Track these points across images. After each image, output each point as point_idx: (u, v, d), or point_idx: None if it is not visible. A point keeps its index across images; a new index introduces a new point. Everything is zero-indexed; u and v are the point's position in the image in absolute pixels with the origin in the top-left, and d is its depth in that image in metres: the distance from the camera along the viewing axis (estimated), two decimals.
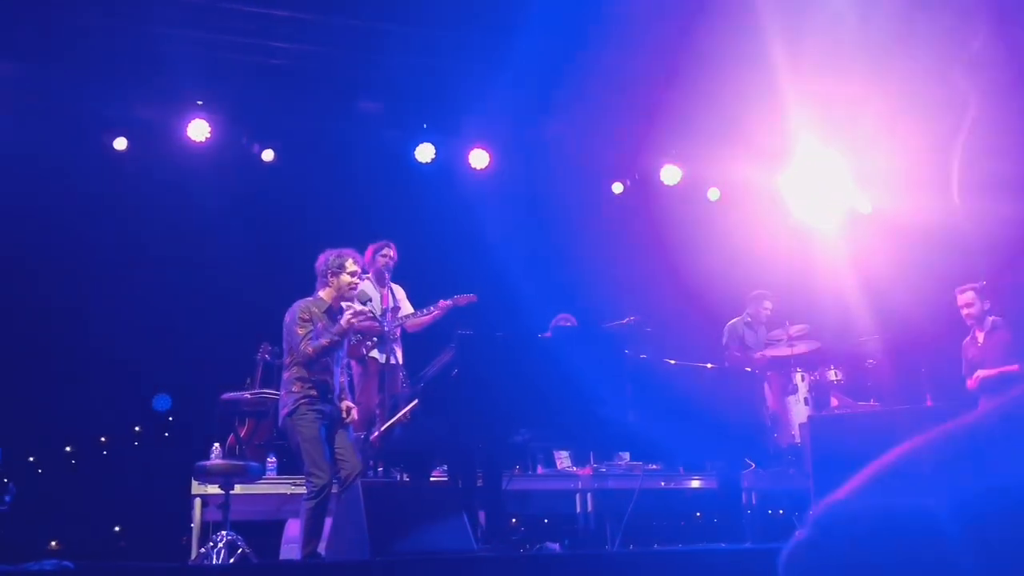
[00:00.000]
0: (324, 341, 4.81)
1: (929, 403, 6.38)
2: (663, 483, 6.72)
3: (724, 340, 7.54)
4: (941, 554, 0.49)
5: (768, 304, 7.50)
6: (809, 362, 7.10)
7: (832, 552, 0.55)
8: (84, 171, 7.30)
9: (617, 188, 9.11)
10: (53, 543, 7.20)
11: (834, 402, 6.93)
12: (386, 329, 5.90)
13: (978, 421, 0.59)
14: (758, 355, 7.27)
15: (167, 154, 7.56)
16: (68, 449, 8.50)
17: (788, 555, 0.58)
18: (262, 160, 7.89)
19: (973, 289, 6.31)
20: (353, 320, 4.88)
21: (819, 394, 6.98)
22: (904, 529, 0.52)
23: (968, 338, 6.40)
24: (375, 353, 6.17)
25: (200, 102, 7.54)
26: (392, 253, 6.28)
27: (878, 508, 0.54)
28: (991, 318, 6.27)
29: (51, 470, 8.11)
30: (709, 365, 6.00)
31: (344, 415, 4.94)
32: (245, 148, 7.88)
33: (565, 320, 6.91)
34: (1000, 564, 0.48)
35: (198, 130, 7.48)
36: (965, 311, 6.30)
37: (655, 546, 6.72)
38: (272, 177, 7.92)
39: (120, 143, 7.47)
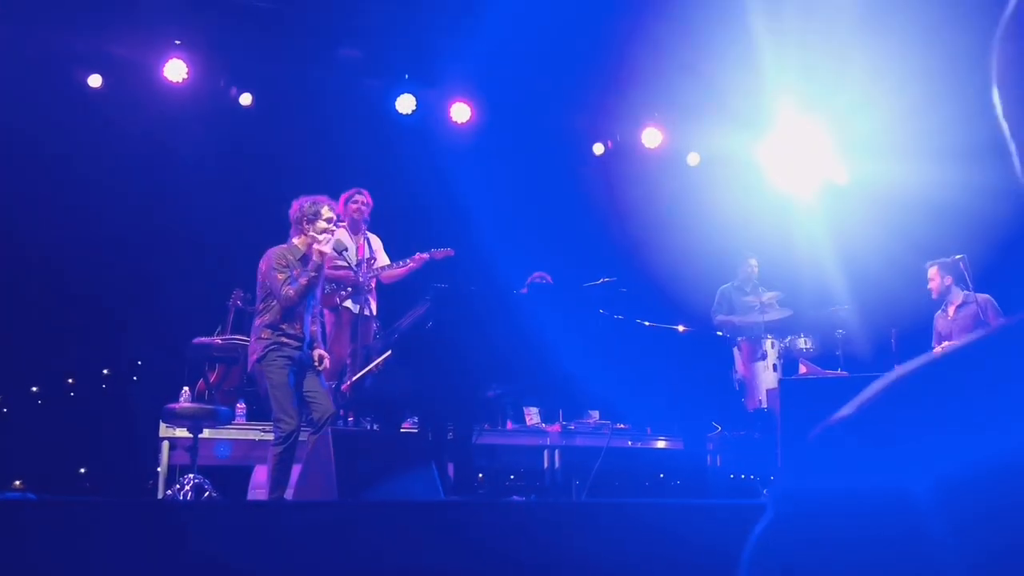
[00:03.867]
0: (303, 280, 4.81)
1: None
2: (630, 442, 6.80)
3: (714, 304, 7.64)
4: (921, 551, 0.42)
5: (753, 262, 7.57)
6: (780, 329, 7.17)
7: (797, 544, 0.48)
8: (56, 107, 7.13)
9: (598, 148, 9.08)
10: (17, 483, 7.15)
11: (803, 369, 7.02)
12: (360, 279, 5.87)
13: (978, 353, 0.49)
14: (737, 320, 7.33)
15: (143, 94, 7.41)
16: (34, 390, 8.42)
17: (752, 548, 0.51)
18: (240, 104, 7.77)
19: (937, 264, 6.39)
20: (324, 250, 4.87)
21: (788, 361, 7.06)
22: (877, 518, 0.44)
23: (940, 310, 6.49)
24: (349, 303, 6.15)
25: (178, 42, 7.39)
26: (365, 199, 6.22)
27: (848, 491, 0.46)
28: (962, 292, 6.35)
29: (16, 411, 8.04)
30: (681, 328, 6.04)
31: (317, 363, 4.95)
32: (223, 91, 7.74)
33: (541, 278, 6.92)
34: (994, 565, 0.41)
35: (175, 70, 7.33)
36: (929, 285, 6.41)
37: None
38: (250, 122, 7.79)
39: (95, 80, 7.32)
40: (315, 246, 4.88)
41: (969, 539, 0.41)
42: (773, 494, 0.51)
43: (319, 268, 4.90)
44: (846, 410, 0.50)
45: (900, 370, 0.50)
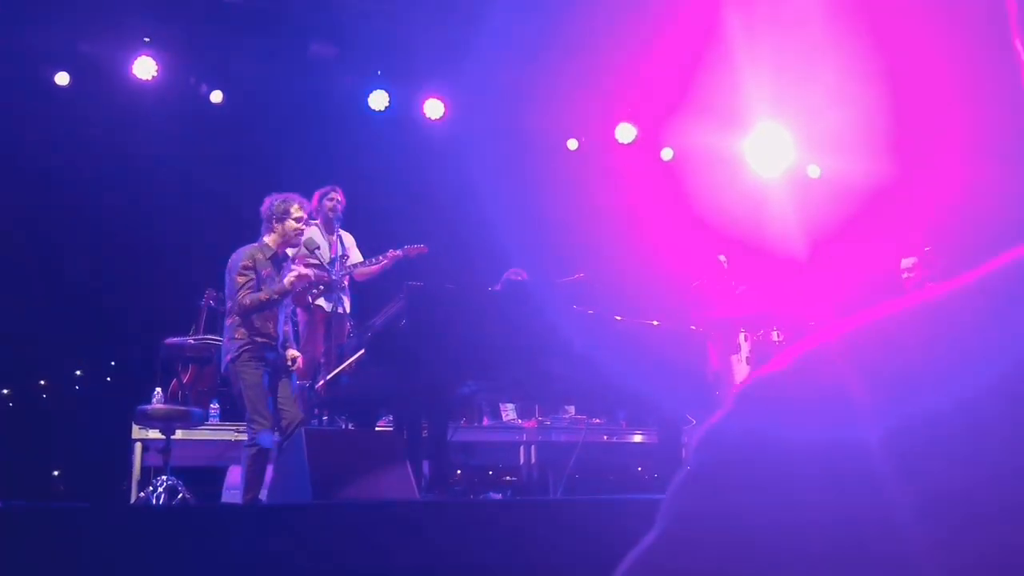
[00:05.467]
0: (263, 296, 4.77)
1: None
2: (606, 437, 6.83)
3: (689, 300, 7.67)
4: (869, 496, 0.41)
5: (722, 257, 7.61)
6: (752, 323, 7.22)
7: (723, 487, 0.46)
8: (22, 106, 7.04)
9: (572, 144, 9.09)
10: None
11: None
12: (334, 278, 5.85)
13: (930, 304, 0.47)
14: (716, 316, 7.37)
15: (111, 91, 7.33)
16: (5, 392, 8.31)
17: (672, 491, 0.48)
18: (210, 102, 7.70)
19: (917, 255, 6.43)
20: (295, 282, 4.85)
21: (761, 354, 7.11)
22: (821, 463, 0.43)
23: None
24: (322, 301, 6.12)
25: (147, 39, 7.31)
26: (339, 197, 6.20)
27: (782, 437, 0.45)
28: (928, 285, 6.42)
29: None
30: (655, 323, 6.07)
31: (289, 363, 4.93)
32: (193, 89, 7.67)
33: (516, 274, 6.92)
34: (949, 514, 0.40)
35: (144, 68, 7.26)
36: (905, 275, 6.43)
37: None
38: (221, 119, 7.72)
39: (62, 78, 7.22)
40: (290, 275, 4.83)
41: (917, 484, 0.41)
42: (697, 440, 0.49)
43: (284, 294, 4.86)
44: (777, 361, 0.49)
45: (837, 325, 0.49)
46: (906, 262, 6.43)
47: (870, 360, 0.45)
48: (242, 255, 4.88)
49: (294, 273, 4.84)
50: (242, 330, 4.81)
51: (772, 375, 0.49)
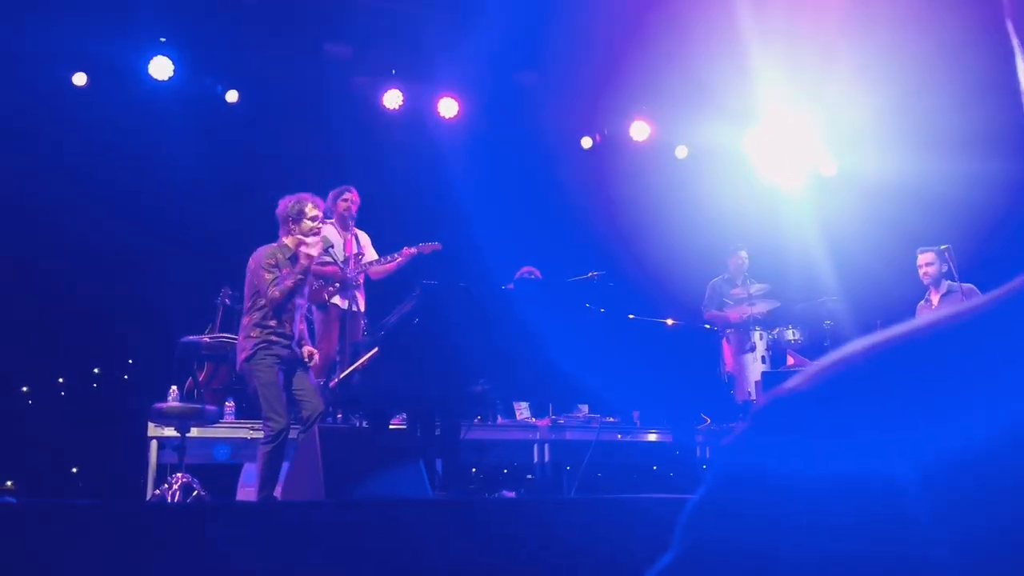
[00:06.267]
0: (288, 282, 4.83)
1: None
2: (620, 436, 6.82)
3: (705, 298, 7.66)
4: (904, 542, 0.39)
5: (743, 254, 7.59)
6: (768, 321, 7.20)
7: (750, 512, 0.44)
8: (41, 106, 7.10)
9: (586, 143, 9.08)
10: (9, 483, 7.14)
11: (791, 361, 7.05)
12: (348, 275, 5.87)
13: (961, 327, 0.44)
14: (732, 315, 7.34)
15: (128, 91, 7.38)
16: (24, 389, 8.39)
17: (690, 514, 0.46)
18: (226, 101, 7.74)
19: (934, 251, 6.38)
20: (312, 252, 4.88)
21: (776, 353, 7.09)
22: (850, 502, 0.41)
23: (923, 300, 6.50)
24: (337, 299, 6.15)
25: (163, 39, 7.35)
26: (353, 197, 6.23)
27: (806, 471, 0.42)
28: (947, 282, 6.36)
29: (7, 411, 8.01)
30: (669, 321, 6.06)
31: (306, 359, 4.96)
32: (209, 88, 7.71)
33: (529, 273, 6.92)
34: (981, 551, 0.38)
35: (161, 68, 7.31)
36: (923, 271, 6.36)
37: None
38: (236, 119, 7.76)
39: (79, 78, 7.29)
40: (302, 248, 4.89)
41: (956, 525, 0.38)
42: (720, 453, 0.47)
43: (306, 271, 4.91)
44: (798, 382, 0.46)
45: (863, 343, 0.46)
46: (923, 258, 6.38)
47: (900, 385, 0.43)
48: (264, 254, 4.93)
49: (304, 251, 4.88)
50: (257, 329, 4.84)
51: (793, 396, 0.46)
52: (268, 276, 4.84)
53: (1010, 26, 0.52)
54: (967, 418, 0.40)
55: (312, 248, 4.90)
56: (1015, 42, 0.52)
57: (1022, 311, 0.43)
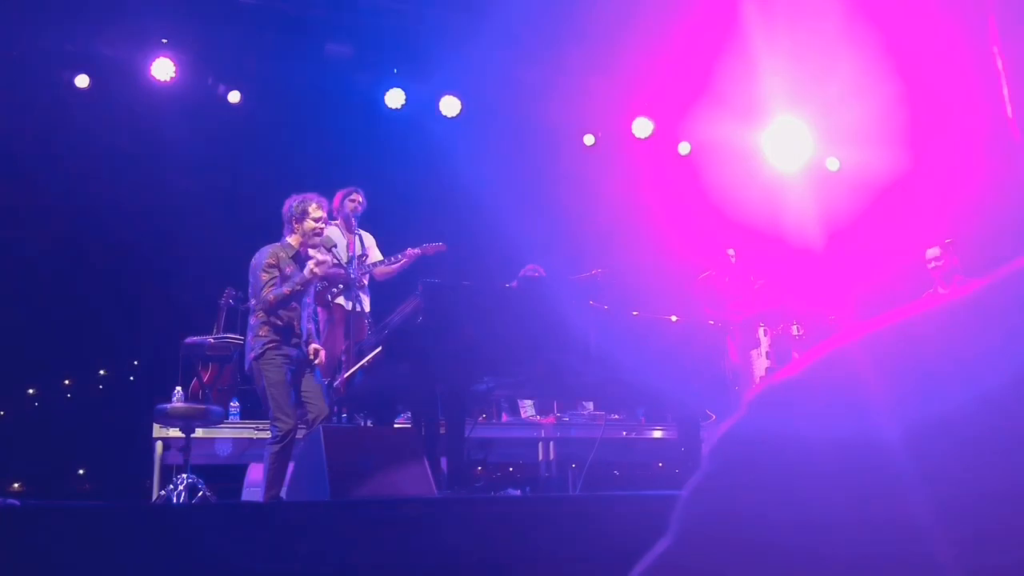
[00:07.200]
0: (286, 290, 4.81)
1: None
2: (625, 433, 6.81)
3: (694, 295, 7.63)
4: (891, 497, 0.41)
5: (731, 252, 7.57)
6: (772, 317, 7.18)
7: (746, 491, 0.45)
8: (44, 108, 7.12)
9: (589, 140, 9.07)
10: (16, 484, 7.17)
11: (795, 356, 7.04)
12: (352, 276, 5.88)
13: (947, 311, 0.46)
14: (730, 312, 7.33)
15: (130, 93, 7.39)
16: (31, 391, 8.42)
17: (687, 497, 0.47)
18: (228, 102, 7.75)
19: (940, 245, 6.36)
20: (316, 270, 4.88)
21: (781, 349, 7.07)
22: (840, 463, 0.42)
23: (929, 294, 6.49)
24: (341, 300, 6.15)
25: (165, 40, 7.36)
26: (360, 199, 6.23)
27: (802, 436, 0.44)
28: (957, 276, 6.35)
29: (14, 412, 8.04)
30: (673, 318, 6.05)
31: (312, 357, 4.96)
32: (211, 89, 7.72)
33: (533, 271, 6.91)
34: (973, 515, 0.39)
35: (163, 69, 7.32)
36: (932, 265, 6.34)
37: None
38: (239, 119, 7.77)
39: (82, 80, 7.30)
40: (309, 264, 4.87)
41: (940, 483, 0.40)
42: (715, 440, 0.48)
43: (306, 283, 4.90)
44: (791, 370, 0.48)
45: (854, 330, 0.47)
46: (931, 252, 6.36)
47: (890, 360, 0.44)
48: (266, 253, 4.93)
49: (313, 261, 4.88)
50: (265, 328, 4.85)
51: (788, 379, 0.48)
52: (265, 277, 4.85)
53: (996, 52, 0.54)
54: (950, 384, 0.42)
55: (319, 267, 4.89)
56: (1000, 67, 0.54)
57: (1007, 293, 0.45)
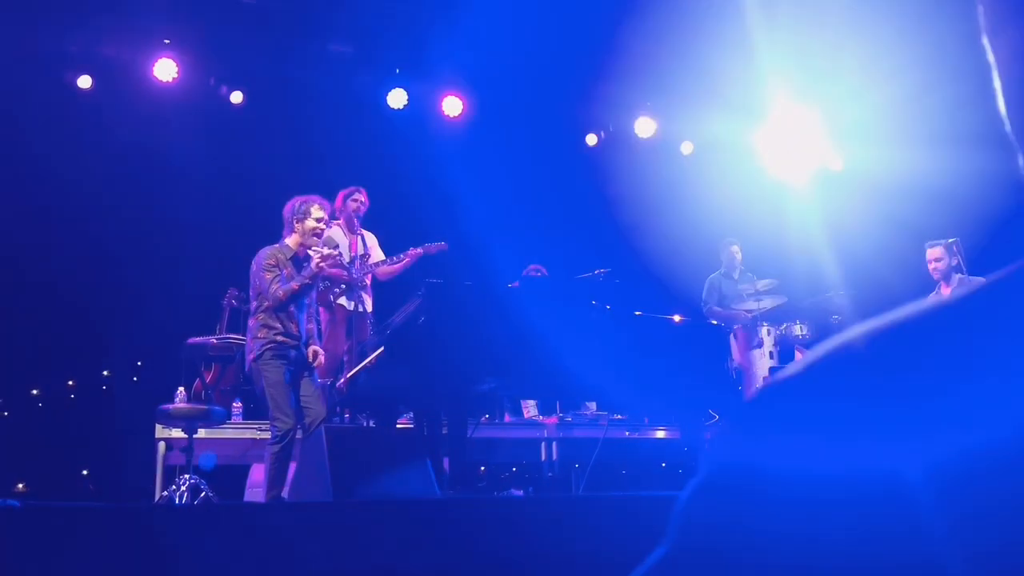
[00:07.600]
0: (294, 284, 4.82)
1: None
2: (628, 433, 6.80)
3: (703, 294, 7.63)
4: (906, 536, 0.37)
5: (735, 248, 7.57)
6: (775, 317, 7.17)
7: (740, 508, 0.42)
8: (46, 109, 7.12)
9: (591, 139, 9.06)
10: (20, 485, 7.17)
11: (799, 356, 7.02)
12: (355, 276, 5.87)
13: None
14: (736, 311, 7.32)
15: (133, 93, 7.40)
16: (35, 392, 8.43)
17: (684, 505, 0.45)
18: (231, 102, 7.75)
19: (943, 245, 6.34)
20: (323, 264, 4.88)
21: (784, 348, 7.06)
22: (856, 500, 0.39)
23: (932, 294, 6.47)
24: (343, 300, 6.15)
25: (167, 41, 7.37)
26: (363, 198, 6.23)
27: (806, 465, 0.40)
28: (958, 276, 6.32)
29: (17, 413, 8.05)
30: (677, 318, 6.04)
31: (311, 359, 4.96)
32: (213, 89, 7.72)
33: (536, 270, 6.91)
34: (994, 549, 0.36)
35: (165, 70, 7.32)
36: (933, 265, 6.32)
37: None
38: (241, 120, 7.78)
39: (84, 81, 7.31)
40: (314, 258, 4.87)
41: (972, 536, 0.36)
42: (708, 450, 0.45)
43: (314, 277, 4.91)
44: (793, 370, 0.44)
45: (862, 327, 0.43)
46: (932, 252, 6.35)
47: (904, 371, 0.40)
48: (264, 255, 4.94)
49: (317, 255, 4.88)
50: (265, 329, 4.85)
51: (790, 381, 0.44)
52: (268, 276, 4.86)
53: (985, 42, 0.51)
54: (982, 408, 0.38)
55: (325, 260, 4.89)
56: (990, 59, 0.51)
57: (1008, 293, 0.42)
